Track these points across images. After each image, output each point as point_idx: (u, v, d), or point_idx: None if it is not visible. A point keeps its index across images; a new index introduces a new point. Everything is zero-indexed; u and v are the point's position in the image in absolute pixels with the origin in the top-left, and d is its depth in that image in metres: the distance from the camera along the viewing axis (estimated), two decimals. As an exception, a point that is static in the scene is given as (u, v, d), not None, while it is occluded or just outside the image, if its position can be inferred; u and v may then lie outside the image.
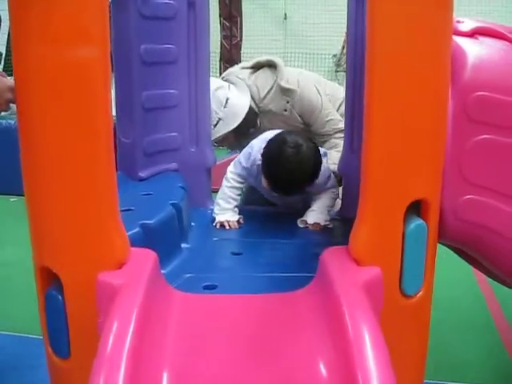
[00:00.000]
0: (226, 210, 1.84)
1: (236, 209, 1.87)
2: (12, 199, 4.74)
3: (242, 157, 1.86)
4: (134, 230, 1.39)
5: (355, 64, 1.75)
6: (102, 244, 1.15)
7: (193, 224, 1.81)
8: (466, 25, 1.38)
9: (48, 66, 1.07)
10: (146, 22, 1.79)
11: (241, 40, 5.67)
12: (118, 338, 0.99)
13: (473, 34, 1.35)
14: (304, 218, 1.81)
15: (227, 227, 1.81)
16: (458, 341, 2.39)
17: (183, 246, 1.64)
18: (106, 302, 1.10)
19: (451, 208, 1.32)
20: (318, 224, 1.79)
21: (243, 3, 5.29)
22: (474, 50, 1.31)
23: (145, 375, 0.99)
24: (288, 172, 1.66)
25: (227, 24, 5.43)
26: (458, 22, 1.39)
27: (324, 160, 1.78)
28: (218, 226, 1.82)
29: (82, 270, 1.15)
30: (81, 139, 1.10)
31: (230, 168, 1.88)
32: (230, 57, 5.68)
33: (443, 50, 1.20)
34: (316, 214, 1.81)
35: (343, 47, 5.68)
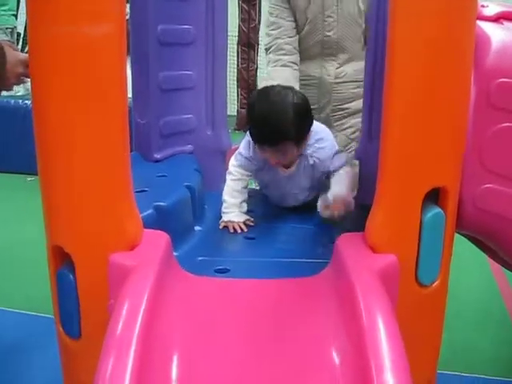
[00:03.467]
0: (232, 206, 1.70)
1: (244, 204, 1.72)
2: (29, 178, 4.77)
3: (241, 147, 1.75)
4: (148, 212, 1.38)
5: (375, 48, 1.71)
6: (114, 225, 1.14)
7: (206, 207, 1.80)
8: (491, 9, 1.34)
9: (63, 44, 1.05)
10: (164, 2, 1.77)
11: (259, 23, 5.62)
12: (128, 319, 0.99)
13: (497, 18, 1.32)
14: (323, 198, 1.64)
15: (231, 230, 1.65)
16: (472, 332, 2.36)
17: (196, 228, 1.64)
18: (117, 283, 1.10)
19: (470, 197, 1.29)
20: (342, 198, 1.60)
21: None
22: (498, 35, 1.27)
23: (155, 356, 0.99)
24: (267, 109, 1.55)
25: (246, 7, 5.37)
26: (483, 6, 1.35)
27: (330, 137, 1.73)
28: (220, 227, 1.68)
29: (94, 250, 1.15)
30: (95, 118, 1.09)
31: (232, 161, 1.77)
32: (247, 40, 5.64)
33: (466, 34, 1.16)
34: (338, 188, 1.64)
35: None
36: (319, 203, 1.65)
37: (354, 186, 1.73)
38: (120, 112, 1.11)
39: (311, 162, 1.68)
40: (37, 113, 1.12)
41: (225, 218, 1.69)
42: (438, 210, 1.18)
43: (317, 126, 1.69)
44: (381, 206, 1.16)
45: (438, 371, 1.39)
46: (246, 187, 1.75)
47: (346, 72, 2.24)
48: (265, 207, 1.86)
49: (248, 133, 1.68)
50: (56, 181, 1.14)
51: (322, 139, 1.68)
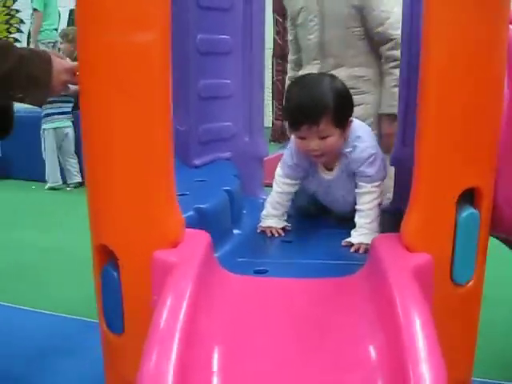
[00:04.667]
0: (272, 216, 1.72)
1: (284, 214, 1.73)
2: (33, 186, 5.06)
3: (285, 156, 1.73)
4: (189, 213, 1.42)
5: (409, 59, 1.74)
6: (158, 223, 1.20)
7: (244, 212, 1.84)
8: (526, 14, 1.35)
9: (113, 51, 1.12)
10: (203, 12, 1.83)
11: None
12: (171, 313, 1.03)
13: (532, 22, 1.33)
14: (348, 239, 1.59)
15: (269, 234, 1.69)
16: (509, 340, 2.33)
17: (235, 231, 1.68)
18: (161, 279, 1.14)
19: (506, 198, 1.30)
20: (363, 244, 1.54)
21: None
22: (533, 38, 1.28)
23: (197, 350, 1.02)
24: (304, 87, 1.56)
25: (280, 20, 5.44)
26: (517, 10, 1.36)
27: (369, 138, 1.66)
28: (258, 231, 1.71)
29: (139, 247, 1.20)
30: (141, 122, 1.15)
31: (278, 171, 1.74)
32: (282, 52, 5.70)
33: (499, 39, 1.19)
34: (361, 235, 1.57)
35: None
36: (343, 242, 1.60)
37: (379, 212, 1.64)
38: (164, 116, 1.16)
39: (347, 161, 1.64)
40: (85, 116, 1.19)
41: (263, 224, 1.72)
42: (472, 210, 1.20)
43: (358, 125, 1.66)
44: (416, 206, 1.18)
45: (477, 378, 1.39)
46: (289, 201, 1.75)
47: None
48: (301, 216, 1.88)
49: (290, 140, 1.70)
50: (102, 182, 1.21)
51: (360, 138, 1.62)
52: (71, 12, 7.02)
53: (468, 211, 1.19)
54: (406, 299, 1.03)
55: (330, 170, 1.69)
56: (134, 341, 1.26)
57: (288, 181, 1.72)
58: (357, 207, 1.63)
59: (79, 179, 5.03)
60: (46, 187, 5.09)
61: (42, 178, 5.12)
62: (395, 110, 1.98)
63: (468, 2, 1.14)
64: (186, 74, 1.85)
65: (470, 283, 1.23)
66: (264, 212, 1.73)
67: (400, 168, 1.88)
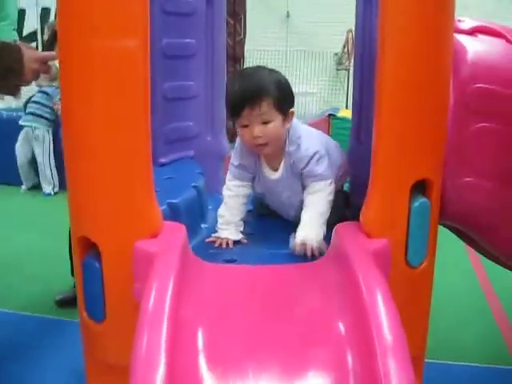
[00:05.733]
0: (229, 223, 1.67)
1: (241, 222, 1.69)
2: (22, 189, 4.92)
3: (232, 158, 1.73)
4: (162, 208, 1.50)
5: (362, 61, 1.87)
6: (138, 214, 1.28)
7: (210, 207, 1.93)
8: (467, 23, 1.51)
9: (93, 55, 1.19)
10: (168, 17, 1.92)
11: (244, 37, 5.79)
12: (158, 299, 1.10)
13: (472, 31, 1.49)
14: (293, 237, 1.55)
15: (224, 246, 1.62)
16: (455, 324, 2.52)
17: (203, 225, 1.78)
18: (143, 268, 1.23)
19: (452, 189, 1.45)
20: (306, 245, 1.50)
21: (247, 1, 5.42)
22: (474, 46, 1.44)
23: (183, 332, 1.11)
24: (244, 74, 1.64)
25: (231, 21, 5.55)
26: (459, 21, 1.52)
27: (311, 138, 1.65)
28: (208, 240, 1.66)
29: (120, 238, 1.28)
30: (122, 120, 1.23)
31: (227, 176, 1.74)
32: (233, 54, 5.80)
33: (445, 44, 1.33)
34: (306, 231, 1.54)
35: (344, 46, 5.81)
36: (290, 241, 1.57)
37: (329, 209, 1.61)
38: (144, 114, 1.25)
39: (291, 161, 1.63)
40: (65, 113, 1.26)
41: (221, 234, 1.65)
42: (423, 199, 1.33)
43: (301, 124, 1.68)
44: (374, 196, 1.31)
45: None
46: (244, 205, 1.72)
47: None
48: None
49: (236, 141, 1.70)
50: (82, 175, 1.28)
51: (303, 137, 1.63)
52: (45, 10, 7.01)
53: (420, 200, 1.33)
54: (368, 279, 1.15)
55: (276, 170, 1.68)
56: (114, 327, 1.35)
57: (237, 182, 1.71)
58: (304, 204, 1.61)
59: (49, 190, 4.85)
60: (21, 190, 4.96)
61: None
62: None
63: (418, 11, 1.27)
64: (152, 76, 1.91)
65: (423, 265, 1.37)
66: (220, 220, 1.68)
67: (354, 164, 2.02)
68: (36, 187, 4.94)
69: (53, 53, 1.56)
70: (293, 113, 1.61)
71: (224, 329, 1.15)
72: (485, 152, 1.44)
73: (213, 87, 2.09)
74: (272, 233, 1.77)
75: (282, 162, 1.66)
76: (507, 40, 1.47)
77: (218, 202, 2.02)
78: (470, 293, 2.87)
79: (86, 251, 1.34)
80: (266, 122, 1.54)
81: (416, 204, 1.32)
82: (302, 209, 1.63)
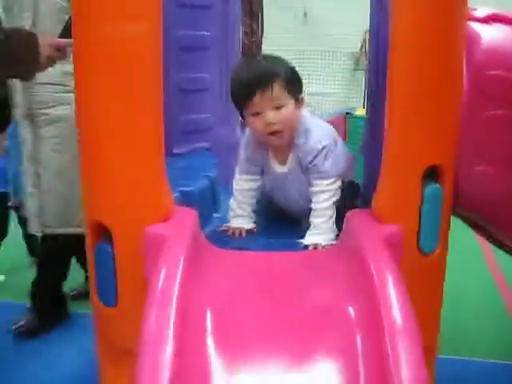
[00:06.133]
0: (239, 216, 1.67)
1: (253, 214, 1.68)
2: None
3: (240, 152, 1.70)
4: (174, 195, 1.51)
5: (377, 57, 1.85)
6: (150, 198, 1.29)
7: (222, 198, 1.94)
8: (481, 12, 1.50)
9: (107, 42, 1.21)
10: (184, 9, 1.94)
11: (261, 37, 5.80)
12: (168, 279, 1.12)
13: (486, 19, 1.48)
14: (301, 240, 1.53)
15: (237, 235, 1.63)
16: (471, 320, 2.50)
17: (215, 215, 1.78)
18: (154, 250, 1.24)
19: (466, 177, 1.44)
20: (319, 245, 1.49)
21: (264, 1, 5.43)
22: (488, 34, 1.43)
23: (192, 313, 1.12)
24: (250, 64, 1.57)
25: (248, 21, 5.57)
26: (474, 9, 1.51)
27: (319, 130, 1.60)
28: (221, 229, 1.66)
29: (132, 221, 1.29)
30: (135, 107, 1.24)
31: (236, 170, 1.71)
32: (250, 53, 5.81)
33: (458, 30, 1.32)
34: (316, 234, 1.52)
35: (362, 46, 5.79)
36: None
37: (334, 214, 1.56)
38: (156, 99, 1.26)
39: (299, 154, 1.59)
40: (79, 101, 1.28)
41: (233, 224, 1.66)
42: (436, 186, 1.32)
43: (311, 117, 1.64)
44: (385, 182, 1.31)
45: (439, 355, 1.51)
46: (253, 198, 1.68)
47: (45, 73, 1.80)
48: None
49: (244, 136, 1.67)
50: (95, 160, 1.29)
51: (312, 129, 1.57)
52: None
53: (432, 187, 1.32)
54: (379, 263, 1.15)
55: (284, 163, 1.63)
56: (126, 312, 1.35)
57: (246, 177, 1.68)
58: (312, 206, 1.58)
59: None
60: None
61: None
62: None
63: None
64: (168, 67, 1.94)
65: (436, 253, 1.36)
66: (231, 213, 1.68)
67: (369, 157, 2.01)
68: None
69: (68, 40, 1.57)
70: (303, 100, 1.57)
71: (233, 312, 1.16)
72: (498, 139, 1.43)
73: (227, 80, 2.09)
74: (283, 223, 1.76)
75: (290, 155, 1.61)
76: (523, 28, 1.46)
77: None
78: (485, 291, 2.85)
79: (99, 237, 1.36)
80: (278, 108, 1.49)
81: (428, 190, 1.31)
82: (309, 203, 1.60)
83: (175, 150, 1.99)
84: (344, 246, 1.34)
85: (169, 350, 1.00)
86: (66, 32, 1.54)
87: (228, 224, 1.68)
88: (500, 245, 1.76)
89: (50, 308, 2.43)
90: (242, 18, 6.11)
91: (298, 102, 1.55)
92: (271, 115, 1.49)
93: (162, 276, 1.12)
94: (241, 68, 1.61)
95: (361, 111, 4.39)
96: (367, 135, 1.95)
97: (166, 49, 1.91)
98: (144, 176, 1.28)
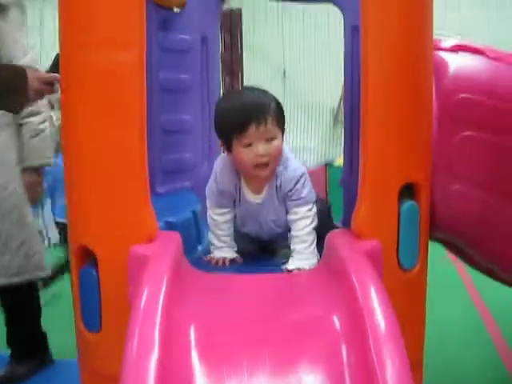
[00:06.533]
0: (220, 247, 1.67)
1: (233, 243, 1.69)
2: None
3: (209, 185, 1.70)
4: (159, 225, 1.53)
5: (352, 92, 1.94)
6: (134, 221, 1.32)
7: (205, 234, 1.96)
8: (448, 42, 1.59)
9: (94, 67, 1.27)
10: (165, 53, 2.01)
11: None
12: (151, 297, 1.12)
13: (453, 49, 1.57)
14: (285, 266, 1.53)
15: (220, 264, 1.62)
16: (456, 356, 2.49)
17: (199, 247, 1.80)
18: (138, 271, 1.25)
19: (441, 198, 1.49)
20: (302, 269, 1.49)
21: (244, 59, 5.62)
22: (455, 61, 1.52)
23: (175, 329, 1.12)
24: (240, 95, 1.61)
25: (228, 80, 5.72)
26: (441, 40, 1.60)
27: (296, 161, 1.64)
28: (206, 259, 1.66)
29: (116, 244, 1.31)
30: (118, 129, 1.29)
31: (208, 204, 1.71)
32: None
33: (426, 56, 1.40)
34: (299, 260, 1.53)
35: (340, 100, 5.97)
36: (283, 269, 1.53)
37: (315, 239, 1.58)
38: (139, 124, 1.31)
39: (278, 182, 1.60)
40: (66, 126, 1.33)
41: (217, 254, 1.66)
42: (412, 202, 1.37)
43: (285, 146, 1.63)
44: (363, 198, 1.35)
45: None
46: (230, 228, 1.69)
47: None
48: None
49: (213, 169, 1.67)
50: (82, 186, 1.33)
51: (290, 159, 1.62)
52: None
53: (409, 203, 1.36)
54: (360, 274, 1.16)
55: (258, 193, 1.64)
56: (111, 337, 1.35)
57: (219, 210, 1.68)
58: (292, 234, 1.59)
59: None
60: None
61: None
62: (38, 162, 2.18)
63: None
64: (150, 108, 1.99)
65: (416, 268, 1.39)
66: (212, 246, 1.69)
67: (348, 189, 2.06)
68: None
69: (55, 74, 1.64)
70: (284, 131, 1.59)
71: (217, 326, 1.16)
72: (472, 160, 1.49)
73: (209, 121, 2.15)
74: (258, 252, 1.77)
75: (267, 184, 1.61)
76: (487, 56, 1.55)
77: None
78: (468, 321, 2.86)
79: (83, 261, 1.37)
80: (269, 140, 1.51)
81: (405, 207, 1.35)
82: (283, 230, 1.64)
83: (158, 189, 2.01)
84: (326, 263, 1.36)
85: (153, 363, 1.00)
86: (55, 67, 1.61)
87: (211, 255, 1.69)
88: (476, 266, 1.79)
89: (28, 352, 2.38)
90: (223, 78, 6.34)
91: (283, 134, 1.59)
92: (263, 148, 1.51)
93: (145, 294, 1.13)
94: (230, 99, 1.63)
95: (340, 161, 4.48)
96: (346, 168, 2.01)
97: (149, 90, 2.00)
98: (128, 199, 1.31)
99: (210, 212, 1.69)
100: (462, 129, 1.47)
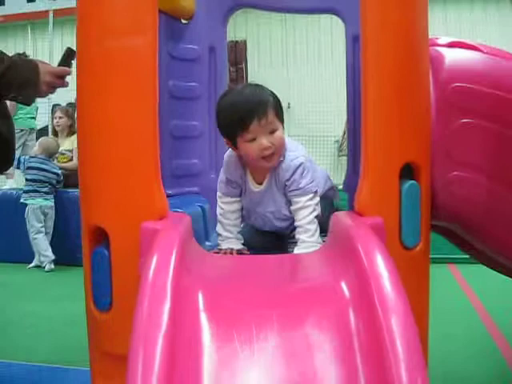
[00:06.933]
0: (227, 238, 1.73)
1: (240, 236, 1.75)
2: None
3: (220, 175, 1.80)
4: (169, 214, 1.59)
5: (355, 91, 2.03)
6: (146, 200, 1.37)
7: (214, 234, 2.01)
8: (444, 39, 1.67)
9: (108, 52, 1.34)
10: (175, 61, 2.10)
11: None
12: (161, 261, 1.16)
13: (449, 45, 1.65)
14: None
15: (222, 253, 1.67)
16: (462, 363, 2.49)
17: (207, 243, 1.84)
18: (149, 244, 1.29)
19: (441, 184, 1.53)
20: None
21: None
22: (451, 54, 1.59)
23: (184, 292, 1.15)
24: (240, 93, 1.65)
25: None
26: (437, 38, 1.68)
27: (298, 150, 1.69)
28: (213, 251, 1.69)
29: (128, 223, 1.35)
30: (132, 111, 1.36)
31: (218, 194, 1.80)
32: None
33: (423, 51, 1.48)
34: (304, 248, 1.57)
35: (344, 132, 6.09)
36: None
37: (318, 228, 1.63)
38: (152, 106, 1.37)
39: (277, 172, 1.66)
40: (81, 109, 1.40)
41: (223, 246, 1.71)
42: (413, 182, 1.42)
43: (287, 138, 1.71)
44: (365, 179, 1.40)
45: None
46: (237, 219, 1.76)
47: None
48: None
49: (226, 154, 1.74)
50: (96, 167, 1.38)
51: (289, 149, 1.68)
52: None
53: (409, 182, 1.41)
54: (365, 242, 1.19)
55: (261, 183, 1.71)
56: (121, 316, 1.38)
57: (226, 199, 1.76)
58: (295, 224, 1.65)
59: (52, 256, 4.79)
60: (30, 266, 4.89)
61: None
62: None
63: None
64: (160, 114, 2.06)
65: (418, 247, 1.42)
66: (219, 238, 1.75)
67: (351, 192, 2.11)
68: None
69: (66, 68, 1.72)
70: (283, 123, 1.67)
71: (225, 291, 1.20)
72: (471, 146, 1.54)
73: (216, 128, 2.23)
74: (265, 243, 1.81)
75: (268, 175, 1.69)
76: (481, 50, 1.62)
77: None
78: (474, 334, 2.85)
79: (95, 242, 1.42)
80: (271, 132, 1.59)
81: (406, 186, 1.40)
82: (287, 220, 1.70)
83: (167, 191, 2.06)
84: (332, 239, 1.40)
85: (163, 332, 1.02)
86: (65, 61, 1.68)
87: (219, 247, 1.73)
88: (479, 256, 1.82)
89: None
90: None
91: (283, 126, 1.66)
92: (267, 140, 1.59)
93: (155, 259, 1.16)
94: (231, 98, 1.68)
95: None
96: (349, 168, 2.07)
97: (159, 97, 2.08)
98: (140, 178, 1.37)
99: (219, 201, 1.78)
100: (460, 116, 1.53)
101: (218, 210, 1.77)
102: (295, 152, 1.68)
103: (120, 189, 1.36)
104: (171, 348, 0.95)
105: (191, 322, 1.11)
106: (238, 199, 1.76)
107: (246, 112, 1.58)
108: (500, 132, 1.54)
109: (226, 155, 1.77)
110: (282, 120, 1.65)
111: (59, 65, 1.72)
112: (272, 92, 1.68)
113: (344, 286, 1.17)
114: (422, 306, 1.47)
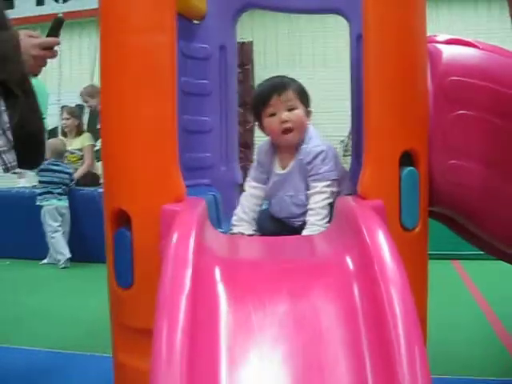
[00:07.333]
0: (241, 220, 1.85)
1: (253, 223, 1.86)
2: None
3: (255, 156, 1.96)
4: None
5: (358, 89, 2.13)
6: (165, 184, 1.48)
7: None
8: (442, 37, 1.78)
9: (128, 48, 1.46)
10: (187, 59, 2.21)
11: (254, 125, 6.18)
12: (182, 239, 1.27)
13: (447, 41, 1.76)
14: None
15: None
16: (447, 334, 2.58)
17: (219, 230, 1.95)
18: (169, 225, 1.40)
19: (439, 172, 1.64)
20: None
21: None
22: (448, 49, 1.70)
23: (202, 266, 1.26)
24: (270, 79, 1.91)
25: (241, 110, 5.96)
26: (435, 35, 1.79)
27: (318, 139, 1.84)
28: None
29: (149, 204, 1.47)
30: (152, 102, 1.47)
31: (247, 179, 1.95)
32: (243, 141, 6.17)
33: (422, 46, 1.59)
34: (311, 231, 1.67)
35: (350, 132, 6.17)
36: None
37: (328, 215, 1.73)
38: (171, 95, 1.49)
39: (300, 157, 1.80)
40: (104, 99, 1.52)
41: (234, 230, 1.84)
42: (411, 168, 1.53)
43: (314, 129, 1.87)
44: (367, 164, 1.51)
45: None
46: (257, 206, 1.88)
47: None
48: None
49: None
50: (119, 152, 1.50)
51: (314, 137, 1.82)
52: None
53: (408, 168, 1.52)
54: (367, 220, 1.30)
55: (285, 167, 1.85)
56: (142, 291, 1.50)
57: (253, 183, 1.91)
58: (308, 207, 1.76)
59: (69, 255, 4.86)
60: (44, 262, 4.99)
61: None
62: None
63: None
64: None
65: (417, 229, 1.53)
66: (234, 218, 1.88)
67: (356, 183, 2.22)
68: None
69: (55, 38, 1.61)
70: (311, 112, 1.87)
71: (239, 266, 1.31)
72: (467, 136, 1.65)
73: (226, 123, 2.35)
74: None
75: (293, 160, 1.83)
76: (477, 47, 1.73)
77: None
78: (473, 322, 2.94)
79: (118, 223, 1.53)
80: (291, 109, 1.79)
81: (405, 172, 1.51)
82: (302, 207, 1.80)
83: (181, 182, 2.19)
84: (337, 220, 1.51)
85: (187, 283, 1.12)
86: (53, 31, 1.62)
87: (230, 232, 1.85)
88: (479, 244, 1.93)
89: None
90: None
91: (307, 112, 1.85)
92: (285, 114, 1.79)
93: (175, 236, 1.27)
94: (261, 85, 1.97)
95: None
96: (353, 160, 2.18)
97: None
98: (160, 162, 1.49)
99: (246, 185, 1.95)
100: (456, 107, 1.64)
101: (245, 192, 1.92)
102: (320, 141, 1.84)
103: (141, 173, 1.48)
104: (193, 307, 1.05)
105: (209, 288, 1.22)
106: (263, 186, 1.90)
107: (268, 88, 1.83)
108: (494, 123, 1.65)
109: (261, 143, 1.94)
110: (305, 104, 1.84)
111: (48, 35, 1.62)
112: (300, 83, 1.86)
113: (349, 260, 1.27)
114: (420, 281, 1.58)
